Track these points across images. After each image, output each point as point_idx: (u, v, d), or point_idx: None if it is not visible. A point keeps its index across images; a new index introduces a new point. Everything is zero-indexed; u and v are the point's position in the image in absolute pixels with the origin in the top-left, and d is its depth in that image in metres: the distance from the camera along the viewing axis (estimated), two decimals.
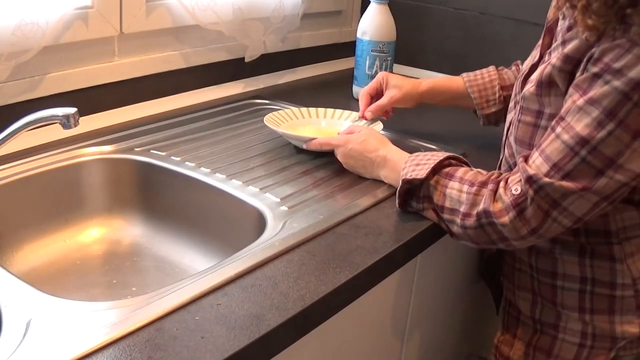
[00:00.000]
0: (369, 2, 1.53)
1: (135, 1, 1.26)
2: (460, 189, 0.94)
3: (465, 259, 1.24)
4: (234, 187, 1.06)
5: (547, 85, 0.92)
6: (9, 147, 0.99)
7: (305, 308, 0.77)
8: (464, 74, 1.28)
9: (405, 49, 1.69)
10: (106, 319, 0.72)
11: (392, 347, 1.10)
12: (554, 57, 0.91)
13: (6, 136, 0.93)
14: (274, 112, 1.29)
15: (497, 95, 1.24)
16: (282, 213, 0.99)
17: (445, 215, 0.96)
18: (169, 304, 0.75)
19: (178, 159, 1.14)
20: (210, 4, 1.36)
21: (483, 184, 0.92)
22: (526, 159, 0.90)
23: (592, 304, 0.99)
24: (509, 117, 1.06)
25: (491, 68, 1.27)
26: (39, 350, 0.66)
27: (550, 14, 1.00)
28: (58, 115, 0.92)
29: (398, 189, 1.00)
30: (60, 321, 0.71)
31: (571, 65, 0.88)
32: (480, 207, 0.91)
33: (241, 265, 0.84)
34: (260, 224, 0.98)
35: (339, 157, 1.13)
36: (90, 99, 1.25)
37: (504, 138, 1.07)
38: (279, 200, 1.02)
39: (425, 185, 0.97)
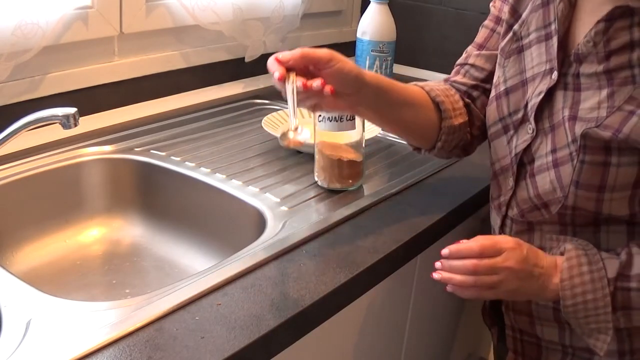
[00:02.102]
0: (369, 2, 1.53)
1: (135, 1, 1.26)
2: None
3: None
4: (234, 187, 1.06)
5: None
6: (9, 147, 0.99)
7: (305, 308, 0.77)
8: (413, 83, 1.04)
9: (405, 49, 1.69)
10: (106, 319, 0.72)
11: (392, 347, 1.10)
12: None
13: (6, 136, 0.93)
14: (272, 114, 1.29)
15: (460, 103, 1.03)
16: (282, 213, 0.99)
17: None
18: (168, 304, 0.75)
19: (178, 159, 1.14)
20: (210, 4, 1.36)
21: None
22: None
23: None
24: (500, 143, 0.95)
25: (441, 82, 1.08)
26: (39, 350, 0.66)
27: (560, 27, 0.88)
28: (58, 115, 0.92)
29: (590, 343, 0.87)
30: (60, 321, 0.71)
31: None
32: None
33: (241, 265, 0.84)
34: (260, 224, 0.98)
35: (512, 264, 0.84)
36: (90, 99, 1.25)
37: (496, 166, 0.97)
38: (279, 200, 1.02)
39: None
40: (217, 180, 1.08)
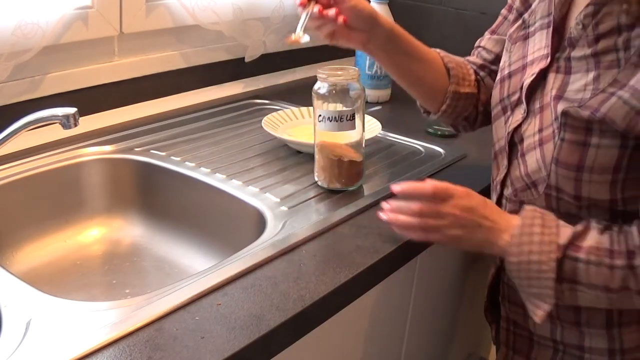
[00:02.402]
0: (369, 2, 1.53)
1: (135, 1, 1.26)
2: (596, 295, 0.84)
3: (466, 259, 1.24)
4: (233, 187, 1.06)
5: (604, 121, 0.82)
6: (9, 147, 0.99)
7: (305, 308, 0.77)
8: (435, 49, 1.12)
9: None
10: (106, 319, 0.72)
11: (392, 347, 1.10)
12: (630, 95, 0.79)
13: (6, 136, 0.93)
14: (272, 114, 1.29)
15: (472, 77, 1.11)
16: (282, 213, 0.99)
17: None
18: (168, 304, 0.75)
19: (178, 159, 1.14)
20: (210, 4, 1.36)
21: (623, 289, 0.82)
22: None
23: (620, 317, 0.92)
24: (499, 124, 0.98)
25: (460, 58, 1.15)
26: (39, 350, 0.66)
27: (557, 12, 0.91)
28: (58, 115, 0.92)
29: (527, 306, 0.88)
30: (60, 321, 0.71)
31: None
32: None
33: (241, 265, 0.84)
34: (260, 224, 0.98)
35: (456, 206, 0.88)
36: (90, 99, 1.25)
37: (496, 147, 0.99)
38: (279, 200, 1.02)
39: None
40: (217, 180, 1.08)
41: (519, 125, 0.94)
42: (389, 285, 0.98)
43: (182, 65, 1.41)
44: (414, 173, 1.14)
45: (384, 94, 1.57)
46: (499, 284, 1.04)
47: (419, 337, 1.16)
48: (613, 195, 0.85)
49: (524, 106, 0.94)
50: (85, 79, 1.24)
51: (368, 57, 1.52)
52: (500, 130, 0.99)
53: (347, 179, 1.06)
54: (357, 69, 1.05)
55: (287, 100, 1.47)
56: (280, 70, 1.67)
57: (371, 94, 1.56)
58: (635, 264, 0.81)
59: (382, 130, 1.26)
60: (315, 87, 1.03)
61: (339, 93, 1.02)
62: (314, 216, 0.98)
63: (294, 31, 0.98)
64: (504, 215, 0.90)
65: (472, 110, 1.12)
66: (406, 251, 0.95)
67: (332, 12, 0.96)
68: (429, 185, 0.88)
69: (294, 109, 1.32)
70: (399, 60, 1.06)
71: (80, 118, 0.94)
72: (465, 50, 1.17)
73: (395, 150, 1.25)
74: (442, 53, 1.11)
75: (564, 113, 0.84)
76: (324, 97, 1.02)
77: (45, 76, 1.17)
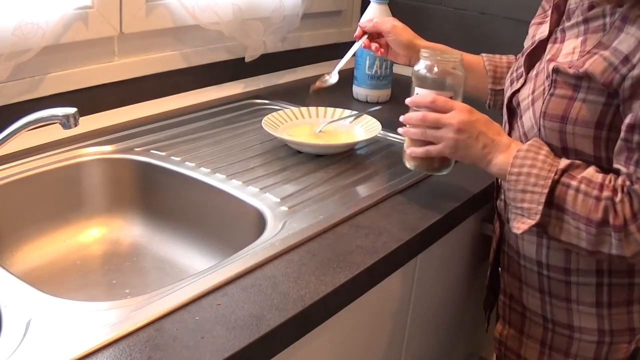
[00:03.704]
0: (369, 2, 1.53)
1: (135, 1, 1.26)
2: (577, 226, 0.87)
3: (466, 259, 1.24)
4: (233, 187, 1.06)
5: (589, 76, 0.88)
6: (9, 147, 0.99)
7: (305, 308, 0.77)
8: (482, 54, 1.24)
9: None
10: (106, 319, 0.72)
11: (392, 347, 1.10)
12: (610, 54, 0.85)
13: (6, 136, 0.93)
14: (272, 114, 1.29)
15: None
16: (282, 213, 0.99)
17: (565, 244, 0.91)
18: (168, 304, 0.75)
19: (178, 159, 1.14)
20: (210, 4, 1.36)
21: (601, 224, 0.85)
22: (630, 180, 0.85)
23: (610, 297, 0.97)
24: (510, 91, 1.03)
25: (511, 56, 1.24)
26: (39, 350, 0.66)
27: None
28: (58, 115, 0.92)
29: (511, 219, 0.93)
30: (60, 321, 0.71)
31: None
32: (613, 251, 0.85)
33: (241, 265, 0.84)
34: (260, 224, 0.98)
35: (455, 122, 0.95)
36: (90, 99, 1.25)
37: (505, 115, 1.05)
38: (279, 200, 1.02)
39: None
40: (217, 180, 1.08)
41: (517, 91, 1.01)
42: (389, 285, 0.98)
43: (182, 65, 1.41)
44: (414, 173, 1.14)
45: (384, 94, 1.57)
46: (498, 257, 1.11)
47: (419, 336, 1.16)
48: (597, 152, 0.90)
49: (524, 75, 1.01)
50: (86, 79, 1.24)
51: (368, 57, 1.52)
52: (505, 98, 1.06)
53: (439, 163, 1.04)
54: (460, 53, 1.09)
55: (287, 100, 1.47)
56: (281, 70, 1.67)
57: (371, 94, 1.56)
58: (616, 199, 0.84)
59: (382, 130, 1.26)
60: (416, 68, 1.03)
61: (440, 76, 1.02)
62: (314, 216, 0.98)
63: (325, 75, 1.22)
64: (505, 137, 0.96)
65: None
66: (406, 251, 0.95)
67: (374, 46, 1.20)
68: (430, 95, 0.99)
69: (294, 108, 1.32)
70: None
71: (80, 118, 0.94)
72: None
73: (396, 150, 1.25)
74: (485, 57, 1.22)
75: (555, 69, 0.91)
76: (423, 79, 1.02)
77: (45, 76, 1.17)
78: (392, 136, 1.30)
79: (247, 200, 1.03)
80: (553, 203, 0.88)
